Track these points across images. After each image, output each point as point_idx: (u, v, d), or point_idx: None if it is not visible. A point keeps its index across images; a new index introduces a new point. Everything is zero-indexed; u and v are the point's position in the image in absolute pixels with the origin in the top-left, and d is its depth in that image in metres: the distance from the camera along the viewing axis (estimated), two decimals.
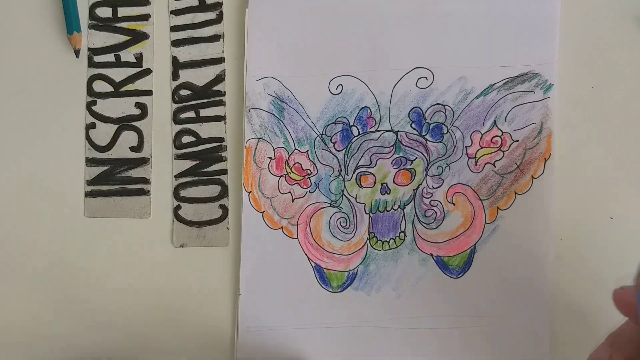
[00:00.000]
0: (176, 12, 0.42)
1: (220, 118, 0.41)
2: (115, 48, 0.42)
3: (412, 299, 0.40)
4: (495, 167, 0.40)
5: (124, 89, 0.41)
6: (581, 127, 0.40)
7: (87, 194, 0.41)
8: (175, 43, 0.42)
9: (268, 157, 0.41)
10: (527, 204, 0.40)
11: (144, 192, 0.41)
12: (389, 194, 0.40)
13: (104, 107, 0.41)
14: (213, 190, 0.41)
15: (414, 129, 0.40)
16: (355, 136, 0.40)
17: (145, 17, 0.42)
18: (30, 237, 0.41)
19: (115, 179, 0.41)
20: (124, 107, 0.41)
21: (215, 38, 0.41)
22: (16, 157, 0.41)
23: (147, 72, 0.42)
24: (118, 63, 0.42)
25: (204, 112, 0.41)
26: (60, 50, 0.42)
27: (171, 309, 0.41)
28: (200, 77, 0.41)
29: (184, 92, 0.41)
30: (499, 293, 0.40)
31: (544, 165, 0.40)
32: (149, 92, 0.42)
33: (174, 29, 0.42)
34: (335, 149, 0.41)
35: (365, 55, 0.40)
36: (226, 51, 0.41)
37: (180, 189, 0.41)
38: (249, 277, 0.40)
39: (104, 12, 0.42)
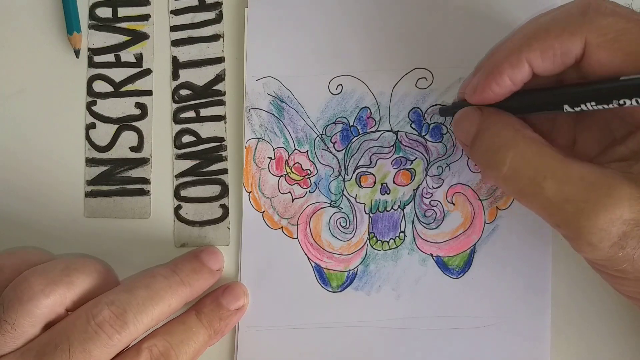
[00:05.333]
0: (176, 12, 0.42)
1: (220, 118, 0.41)
2: (115, 48, 0.42)
3: (412, 299, 0.40)
4: None
5: (124, 89, 0.42)
6: None
7: (87, 194, 0.41)
8: (175, 43, 0.42)
9: (268, 157, 0.41)
10: None
11: (144, 192, 0.41)
12: (388, 194, 0.40)
13: (104, 107, 0.42)
14: (213, 190, 0.41)
15: (414, 129, 0.40)
16: (355, 136, 0.40)
17: (145, 17, 0.42)
18: (30, 237, 0.41)
19: (115, 179, 0.41)
20: (124, 107, 0.42)
21: (215, 38, 0.41)
22: (16, 157, 0.41)
23: (147, 72, 0.42)
24: (118, 63, 0.42)
25: (204, 112, 0.41)
26: (60, 51, 0.42)
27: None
28: (200, 76, 0.41)
29: (184, 92, 0.41)
30: (499, 293, 0.40)
31: None
32: (149, 92, 0.42)
33: (174, 28, 0.42)
34: (335, 149, 0.41)
35: (365, 55, 0.40)
36: (226, 51, 0.41)
37: (180, 189, 0.41)
38: (249, 276, 0.40)
39: (104, 12, 0.42)
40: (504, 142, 0.32)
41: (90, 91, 0.42)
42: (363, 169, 0.40)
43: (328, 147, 0.41)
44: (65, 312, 0.34)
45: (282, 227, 0.41)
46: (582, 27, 0.30)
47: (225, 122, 0.41)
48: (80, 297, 0.34)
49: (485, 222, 0.40)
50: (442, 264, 0.40)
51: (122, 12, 0.42)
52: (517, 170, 0.31)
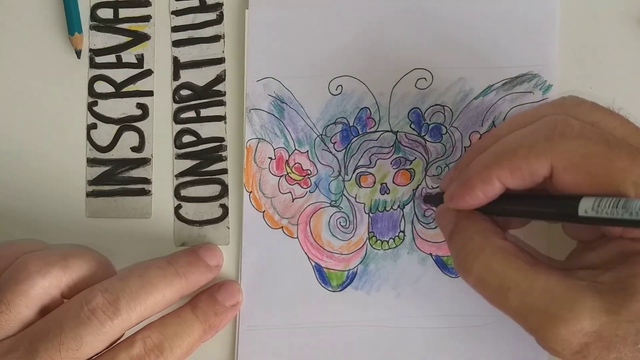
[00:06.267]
0: (177, 13, 0.42)
1: (220, 118, 0.41)
2: (116, 49, 0.42)
3: (412, 298, 0.40)
4: None
5: (125, 89, 0.42)
6: None
7: (89, 194, 0.42)
8: (176, 43, 0.42)
9: (268, 158, 0.41)
10: None
11: (145, 192, 0.42)
12: (388, 194, 0.41)
13: (105, 107, 0.42)
14: (213, 189, 0.41)
15: (414, 129, 0.40)
16: (355, 136, 0.41)
17: (146, 19, 0.42)
18: (31, 237, 0.41)
19: (116, 179, 0.41)
20: (125, 107, 0.42)
21: (216, 38, 0.42)
22: (17, 157, 0.42)
23: (148, 72, 0.42)
24: (119, 64, 0.42)
25: (204, 112, 0.42)
26: (62, 51, 0.42)
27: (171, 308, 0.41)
28: (200, 77, 0.42)
29: (184, 92, 0.42)
30: None
31: None
32: (150, 93, 0.42)
33: (175, 29, 0.42)
34: (335, 149, 0.41)
35: (365, 56, 0.40)
36: (226, 51, 0.42)
37: (180, 189, 0.41)
38: (249, 276, 0.41)
39: (105, 13, 0.42)
40: (472, 249, 0.32)
41: (91, 92, 0.42)
42: (363, 169, 0.41)
43: (328, 148, 0.41)
44: (61, 298, 0.35)
45: (282, 227, 0.41)
46: (546, 151, 0.30)
47: (225, 123, 0.41)
48: (76, 283, 0.35)
49: None
50: (442, 264, 0.40)
51: (123, 13, 0.42)
52: (483, 279, 0.32)
